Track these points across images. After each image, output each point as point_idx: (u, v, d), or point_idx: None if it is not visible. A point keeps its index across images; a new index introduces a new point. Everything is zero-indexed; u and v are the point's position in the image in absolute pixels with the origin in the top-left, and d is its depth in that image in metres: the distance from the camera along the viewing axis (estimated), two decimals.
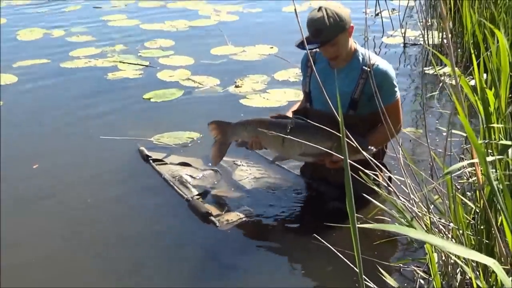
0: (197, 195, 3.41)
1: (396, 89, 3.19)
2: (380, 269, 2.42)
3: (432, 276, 2.10)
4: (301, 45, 3.02)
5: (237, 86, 5.19)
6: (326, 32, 2.97)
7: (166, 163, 3.80)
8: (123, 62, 5.88)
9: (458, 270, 2.31)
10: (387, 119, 2.58)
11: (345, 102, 3.14)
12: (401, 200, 2.42)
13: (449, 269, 2.31)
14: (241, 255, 2.98)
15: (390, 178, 2.85)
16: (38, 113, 4.82)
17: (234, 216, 3.22)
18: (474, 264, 2.11)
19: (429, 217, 2.36)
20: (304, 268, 2.87)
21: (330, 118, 2.45)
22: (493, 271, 2.21)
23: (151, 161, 3.81)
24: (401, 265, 2.68)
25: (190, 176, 3.61)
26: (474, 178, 2.37)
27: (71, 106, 4.94)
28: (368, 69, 3.07)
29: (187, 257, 3.00)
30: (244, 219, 3.20)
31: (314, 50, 3.20)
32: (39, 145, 4.28)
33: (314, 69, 2.72)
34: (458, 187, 2.59)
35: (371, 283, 2.27)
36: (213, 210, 3.27)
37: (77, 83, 5.46)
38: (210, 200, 3.41)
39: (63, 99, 5.09)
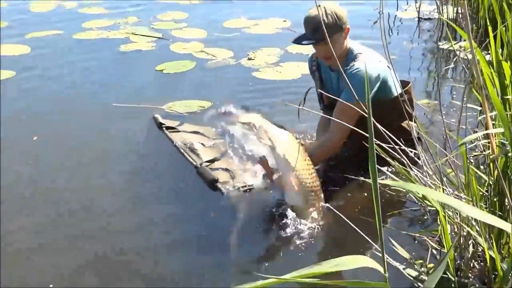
0: (206, 161, 3.46)
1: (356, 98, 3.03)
2: (392, 240, 2.43)
3: (445, 247, 2.11)
4: (296, 41, 3.09)
5: (249, 59, 5.18)
6: (322, 31, 2.89)
7: (179, 131, 3.87)
8: (136, 34, 5.88)
9: (470, 242, 2.32)
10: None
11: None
12: (414, 172, 2.43)
13: (461, 241, 2.32)
14: (247, 223, 2.98)
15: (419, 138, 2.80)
16: (50, 82, 4.88)
17: (241, 184, 3.24)
18: (487, 235, 2.12)
19: (442, 189, 2.36)
20: (313, 236, 2.88)
21: None
22: (506, 243, 2.23)
23: (164, 128, 3.88)
24: (416, 235, 2.69)
25: (201, 144, 3.67)
26: (488, 151, 2.37)
27: (83, 76, 4.98)
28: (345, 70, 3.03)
29: (192, 222, 3.02)
30: (252, 187, 3.22)
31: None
32: (51, 113, 4.33)
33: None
34: (472, 160, 2.58)
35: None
36: (221, 178, 3.30)
37: (89, 54, 5.48)
38: (219, 168, 3.43)
39: (75, 70, 5.12)
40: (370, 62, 3.04)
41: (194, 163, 3.45)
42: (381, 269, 1.31)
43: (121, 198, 3.23)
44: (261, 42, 5.61)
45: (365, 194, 3.06)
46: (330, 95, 2.99)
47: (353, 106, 2.69)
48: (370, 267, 1.32)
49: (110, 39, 5.83)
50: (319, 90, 3.35)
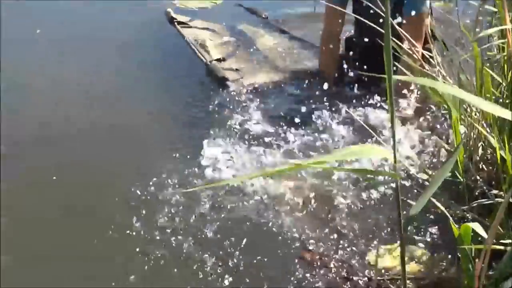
0: (216, 59, 3.43)
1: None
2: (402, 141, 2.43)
3: (456, 143, 2.09)
4: None
5: None
6: None
7: (190, 27, 3.90)
8: None
9: (480, 144, 2.30)
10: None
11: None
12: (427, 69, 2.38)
13: (471, 142, 2.31)
14: (250, 120, 2.99)
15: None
16: None
17: (250, 82, 3.27)
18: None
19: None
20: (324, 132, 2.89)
21: None
22: None
23: (176, 23, 3.91)
24: (424, 136, 2.68)
25: (212, 40, 3.64)
26: (503, 53, 2.31)
27: None
28: None
29: (198, 116, 3.06)
30: (260, 85, 3.25)
31: None
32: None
33: None
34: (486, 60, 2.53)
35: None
36: (230, 76, 3.31)
37: None
38: (229, 66, 3.44)
39: None
40: None
41: (204, 60, 3.44)
42: (391, 158, 1.30)
43: (130, 85, 3.28)
44: None
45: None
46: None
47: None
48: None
49: None
50: None
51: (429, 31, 2.94)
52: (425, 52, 2.58)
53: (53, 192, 2.43)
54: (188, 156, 2.63)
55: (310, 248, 2.12)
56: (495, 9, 2.80)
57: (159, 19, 4.06)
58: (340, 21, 3.26)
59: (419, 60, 2.46)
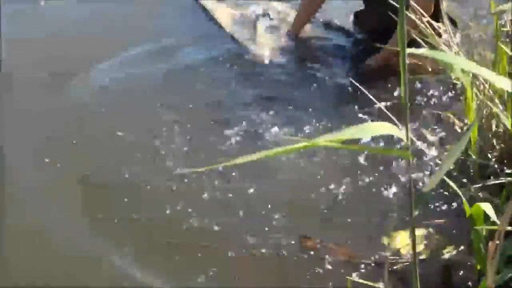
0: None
1: None
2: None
3: (469, 120, 2.05)
4: None
5: None
6: None
7: None
8: None
9: (493, 122, 2.26)
10: None
11: None
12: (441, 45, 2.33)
13: (484, 120, 2.26)
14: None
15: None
16: None
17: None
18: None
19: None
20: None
21: None
22: None
23: None
24: (438, 113, 2.64)
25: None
26: None
27: None
28: None
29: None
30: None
31: None
32: None
33: None
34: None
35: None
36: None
37: None
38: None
39: None
40: None
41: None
42: (404, 137, 1.26)
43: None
44: None
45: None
46: None
47: None
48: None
49: None
50: None
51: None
52: (438, 25, 2.52)
53: None
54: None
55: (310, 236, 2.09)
56: None
57: None
58: None
59: (430, 33, 2.41)
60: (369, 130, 1.24)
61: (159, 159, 2.45)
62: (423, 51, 1.48)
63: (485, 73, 1.27)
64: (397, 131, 1.24)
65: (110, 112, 2.78)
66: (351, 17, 3.55)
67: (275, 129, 2.63)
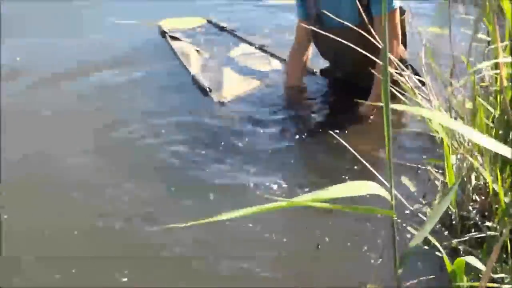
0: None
1: None
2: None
3: (448, 177, 2.07)
4: None
5: None
6: None
7: (180, 40, 4.31)
8: None
9: (472, 175, 2.28)
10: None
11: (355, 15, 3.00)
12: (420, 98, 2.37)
13: (464, 173, 2.28)
14: (239, 135, 3.10)
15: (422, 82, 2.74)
16: None
17: (230, 94, 3.53)
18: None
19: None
20: (311, 155, 2.88)
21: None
22: (508, 176, 2.19)
23: (167, 36, 4.34)
24: (418, 166, 2.66)
25: (198, 52, 4.09)
26: (497, 85, 2.30)
27: None
28: None
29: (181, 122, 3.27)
30: (242, 95, 3.53)
31: None
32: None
33: None
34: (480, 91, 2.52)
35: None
36: (213, 87, 3.58)
37: None
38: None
39: None
40: None
41: (190, 71, 3.77)
42: (388, 196, 1.27)
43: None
44: None
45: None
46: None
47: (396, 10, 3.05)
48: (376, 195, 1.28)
49: None
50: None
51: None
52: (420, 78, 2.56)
53: None
54: None
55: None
56: (489, 38, 2.81)
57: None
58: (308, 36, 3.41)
59: (409, 87, 2.45)
60: (352, 189, 1.25)
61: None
62: (404, 107, 1.51)
63: (463, 130, 1.30)
64: (382, 191, 1.25)
65: None
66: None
67: (252, 184, 2.63)
